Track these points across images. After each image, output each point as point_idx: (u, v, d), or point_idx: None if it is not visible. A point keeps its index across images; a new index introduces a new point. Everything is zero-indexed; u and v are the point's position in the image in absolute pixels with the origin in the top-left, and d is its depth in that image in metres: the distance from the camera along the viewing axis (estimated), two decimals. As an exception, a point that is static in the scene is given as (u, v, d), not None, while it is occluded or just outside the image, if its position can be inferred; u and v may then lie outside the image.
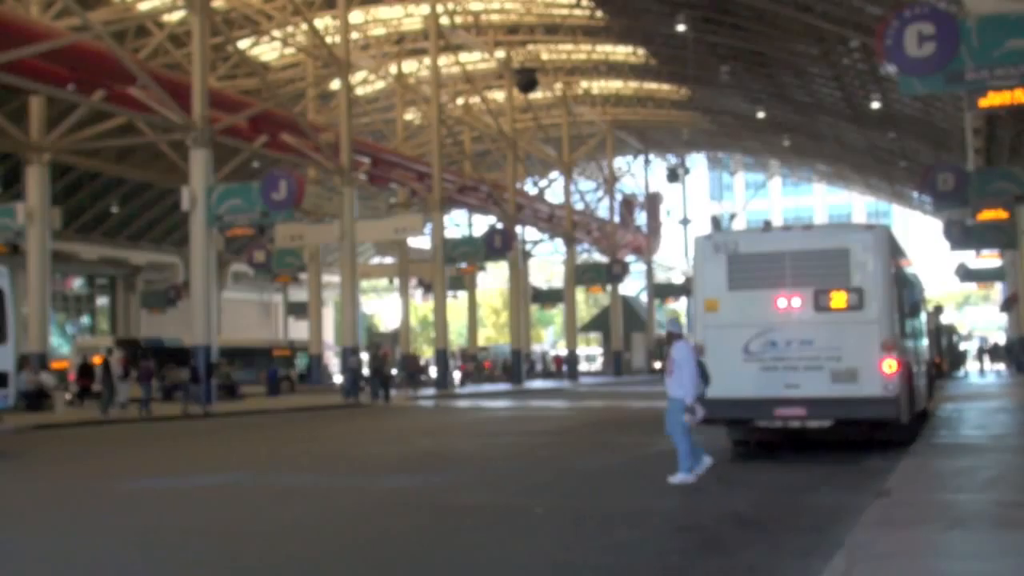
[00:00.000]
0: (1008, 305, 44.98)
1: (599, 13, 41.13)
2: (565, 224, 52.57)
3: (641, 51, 45.74)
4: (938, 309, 40.01)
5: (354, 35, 40.06)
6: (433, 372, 41.87)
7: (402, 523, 8.69)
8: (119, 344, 33.91)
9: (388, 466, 13.28)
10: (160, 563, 7.19)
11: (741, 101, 49.31)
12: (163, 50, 32.31)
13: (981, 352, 49.55)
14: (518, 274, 50.44)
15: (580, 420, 22.09)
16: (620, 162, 65.15)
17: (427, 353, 58.32)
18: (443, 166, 40.41)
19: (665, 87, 51.64)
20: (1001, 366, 47.22)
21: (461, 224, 62.50)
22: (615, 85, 53.03)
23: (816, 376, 11.99)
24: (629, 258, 61.44)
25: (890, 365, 11.85)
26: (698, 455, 10.47)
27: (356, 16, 39.67)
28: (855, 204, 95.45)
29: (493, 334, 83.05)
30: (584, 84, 52.44)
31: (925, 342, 18.14)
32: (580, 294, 59.75)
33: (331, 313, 61.09)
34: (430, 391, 37.14)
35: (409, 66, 46.34)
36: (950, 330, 43.97)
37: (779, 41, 37.80)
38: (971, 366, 46.44)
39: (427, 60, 41.33)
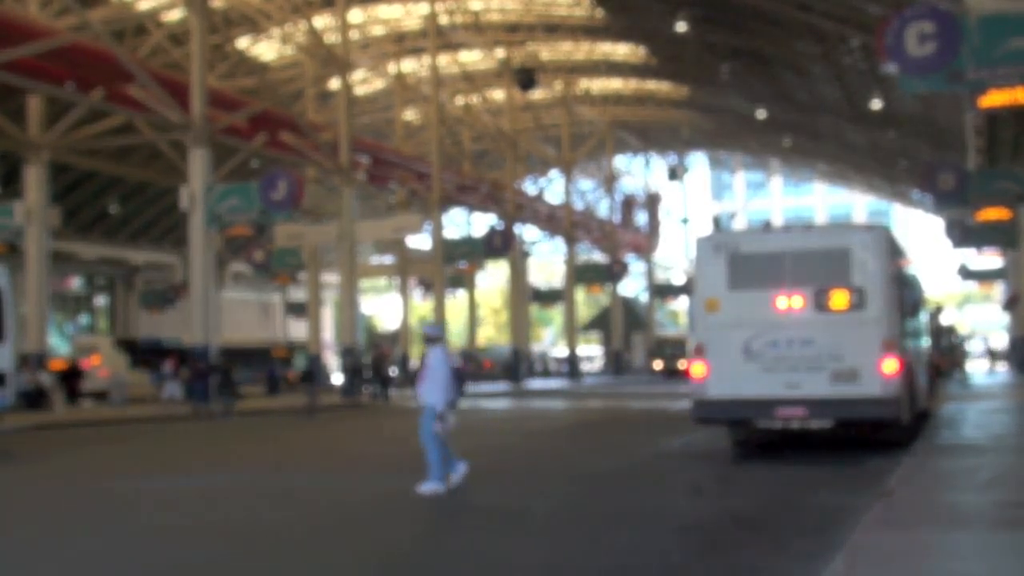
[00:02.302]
0: (1010, 305, 44.97)
1: (599, 12, 41.08)
2: (565, 224, 52.52)
3: (641, 50, 45.70)
4: (939, 309, 39.97)
5: (353, 34, 39.98)
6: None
7: (402, 523, 8.65)
8: (118, 344, 33.90)
9: (388, 466, 13.23)
10: (159, 563, 7.14)
11: (741, 100, 49.24)
12: (162, 49, 32.28)
13: (990, 354, 49.68)
14: (518, 274, 50.38)
15: (580, 420, 22.04)
16: (620, 161, 65.12)
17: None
18: (443, 165, 40.38)
19: (665, 86, 51.60)
20: (1004, 366, 47.21)
21: (461, 224, 62.44)
22: (615, 84, 52.99)
23: (817, 376, 11.96)
24: (629, 258, 61.39)
25: (891, 365, 11.82)
26: (451, 464, 10.07)
27: (355, 15, 39.60)
28: (856, 204, 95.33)
29: (493, 334, 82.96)
30: (584, 83, 52.39)
31: (926, 342, 18.11)
32: (580, 294, 59.68)
33: (330, 313, 61.03)
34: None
35: (409, 65, 46.28)
36: (951, 330, 43.90)
37: (779, 40, 37.75)
38: (977, 366, 46.43)
39: (427, 59, 41.30)
